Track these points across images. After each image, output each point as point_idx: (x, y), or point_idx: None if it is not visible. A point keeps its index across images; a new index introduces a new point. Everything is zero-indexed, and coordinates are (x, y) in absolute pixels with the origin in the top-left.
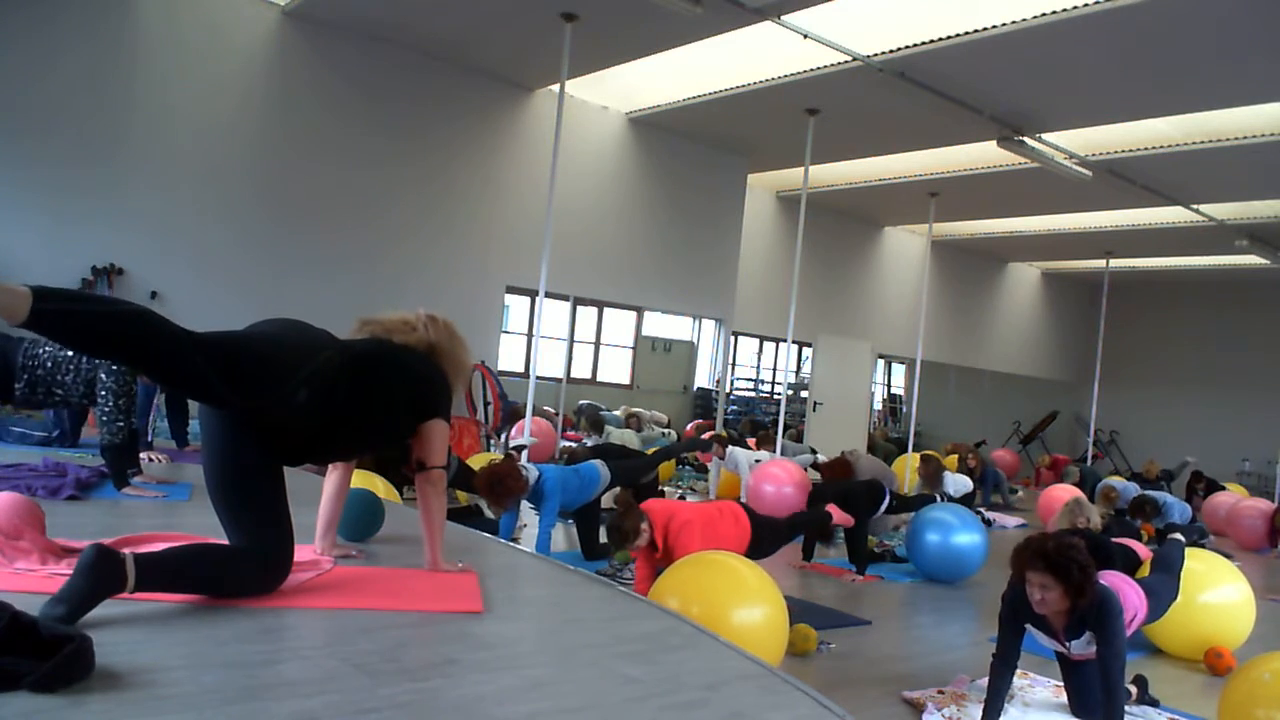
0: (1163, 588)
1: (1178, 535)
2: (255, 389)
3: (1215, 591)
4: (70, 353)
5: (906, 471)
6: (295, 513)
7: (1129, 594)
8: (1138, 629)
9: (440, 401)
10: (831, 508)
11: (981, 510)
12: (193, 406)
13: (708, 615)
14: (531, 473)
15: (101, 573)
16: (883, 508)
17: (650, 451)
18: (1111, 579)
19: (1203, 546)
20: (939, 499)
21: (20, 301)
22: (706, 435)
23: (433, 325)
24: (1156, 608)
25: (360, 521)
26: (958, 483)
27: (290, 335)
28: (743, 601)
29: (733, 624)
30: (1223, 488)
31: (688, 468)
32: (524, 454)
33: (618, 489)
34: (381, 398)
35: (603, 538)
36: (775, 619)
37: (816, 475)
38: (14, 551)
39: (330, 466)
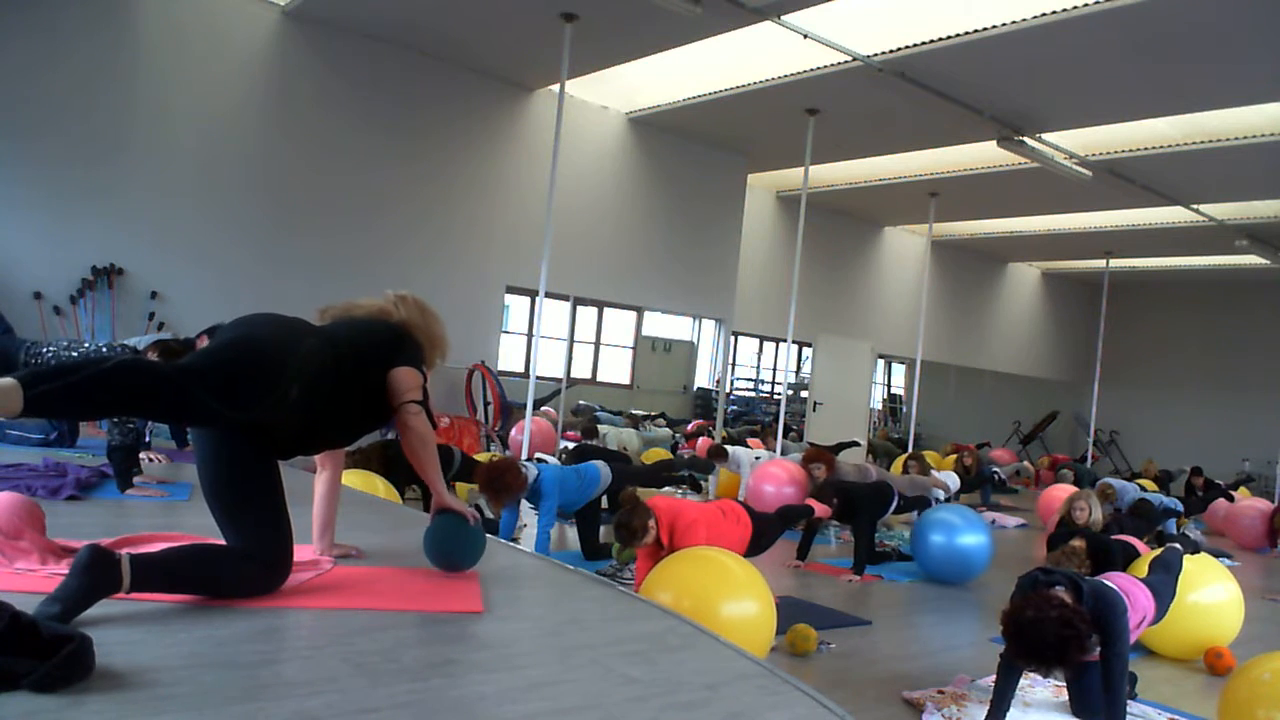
0: (1165, 588)
1: (1176, 545)
2: (253, 402)
3: (1204, 591)
4: (75, 352)
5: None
6: (293, 513)
7: (1139, 596)
8: (1144, 630)
9: (400, 353)
10: (812, 501)
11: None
12: None
13: (697, 609)
14: (530, 471)
15: (96, 573)
16: (890, 509)
17: (648, 458)
18: (1122, 581)
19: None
20: (932, 502)
21: (11, 395)
22: (705, 446)
23: (402, 304)
24: (1160, 608)
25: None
26: (948, 480)
27: (268, 333)
28: (731, 596)
29: (721, 617)
30: (1219, 485)
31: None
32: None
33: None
34: (362, 376)
35: (604, 537)
36: (763, 613)
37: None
38: (14, 551)
39: (319, 466)
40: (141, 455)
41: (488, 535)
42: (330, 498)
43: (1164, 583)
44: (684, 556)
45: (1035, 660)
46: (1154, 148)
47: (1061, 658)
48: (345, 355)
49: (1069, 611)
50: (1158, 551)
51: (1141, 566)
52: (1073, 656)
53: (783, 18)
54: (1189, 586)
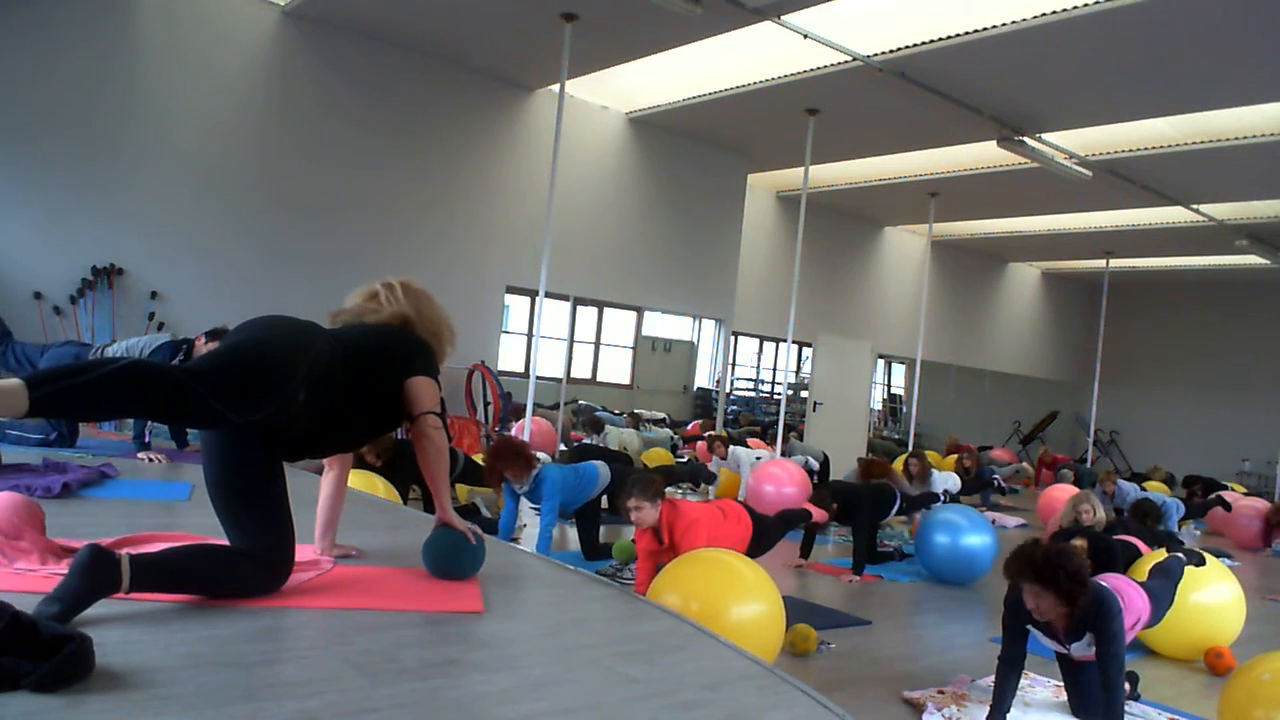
0: (1162, 592)
1: (1180, 555)
2: (258, 404)
3: (1205, 591)
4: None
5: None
6: (295, 513)
7: (1134, 597)
8: (1140, 632)
9: (415, 362)
10: (809, 505)
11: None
12: None
13: (706, 612)
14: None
15: (96, 573)
16: (892, 511)
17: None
18: (1116, 582)
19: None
20: (941, 497)
21: (16, 396)
22: (708, 435)
23: (392, 294)
24: (1156, 611)
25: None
26: (947, 482)
27: (277, 336)
28: (740, 598)
29: (730, 620)
30: (1223, 486)
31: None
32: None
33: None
34: (372, 382)
35: (604, 538)
36: (772, 615)
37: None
38: (14, 551)
39: (327, 465)
40: (141, 455)
41: (488, 535)
42: (336, 497)
43: (1162, 588)
44: (692, 559)
45: (1027, 574)
46: (1154, 148)
47: (1050, 574)
48: (356, 361)
49: (1068, 548)
50: (1160, 556)
51: (1143, 568)
52: (1066, 570)
53: (783, 18)
54: (1190, 587)
